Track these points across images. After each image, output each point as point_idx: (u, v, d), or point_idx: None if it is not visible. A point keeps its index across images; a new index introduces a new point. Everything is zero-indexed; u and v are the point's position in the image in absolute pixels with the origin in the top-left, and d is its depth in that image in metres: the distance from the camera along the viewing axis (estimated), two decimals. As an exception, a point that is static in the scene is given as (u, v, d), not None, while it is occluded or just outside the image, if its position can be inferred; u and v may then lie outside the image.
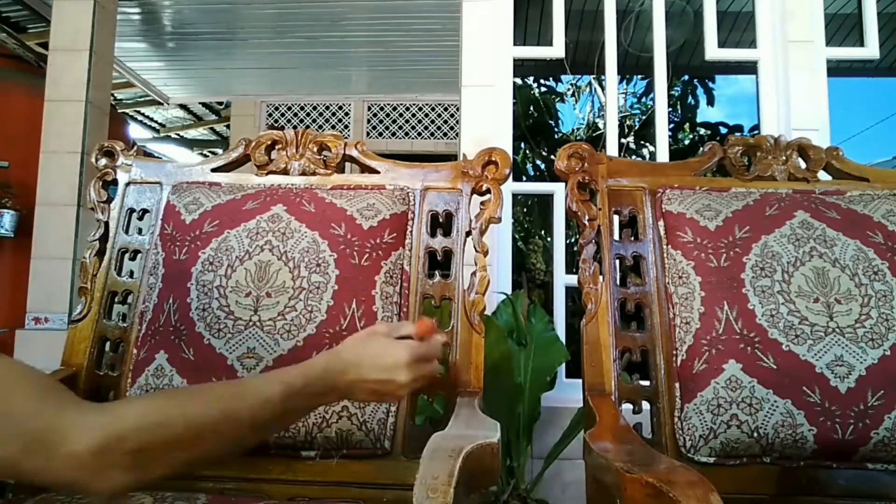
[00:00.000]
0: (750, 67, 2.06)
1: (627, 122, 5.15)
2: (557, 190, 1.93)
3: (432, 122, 4.98)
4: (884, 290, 0.92)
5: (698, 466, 0.88)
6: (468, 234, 1.07)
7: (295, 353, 0.91)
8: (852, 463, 0.89)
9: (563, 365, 1.80)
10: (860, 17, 2.02)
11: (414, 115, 4.99)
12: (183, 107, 5.86)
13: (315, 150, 1.14)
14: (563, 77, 5.30)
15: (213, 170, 1.15)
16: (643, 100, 5.31)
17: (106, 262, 1.10)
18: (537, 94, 5.07)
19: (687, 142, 5.26)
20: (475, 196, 1.10)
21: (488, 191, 1.08)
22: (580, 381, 1.00)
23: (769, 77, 1.99)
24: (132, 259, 1.11)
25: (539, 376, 1.62)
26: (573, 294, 1.79)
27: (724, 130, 5.02)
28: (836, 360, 0.88)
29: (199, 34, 3.66)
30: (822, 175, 1.11)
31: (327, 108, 4.97)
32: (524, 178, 4.82)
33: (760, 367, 0.89)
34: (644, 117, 5.08)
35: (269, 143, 1.14)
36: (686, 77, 5.02)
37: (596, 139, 4.73)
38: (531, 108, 4.84)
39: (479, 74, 1.95)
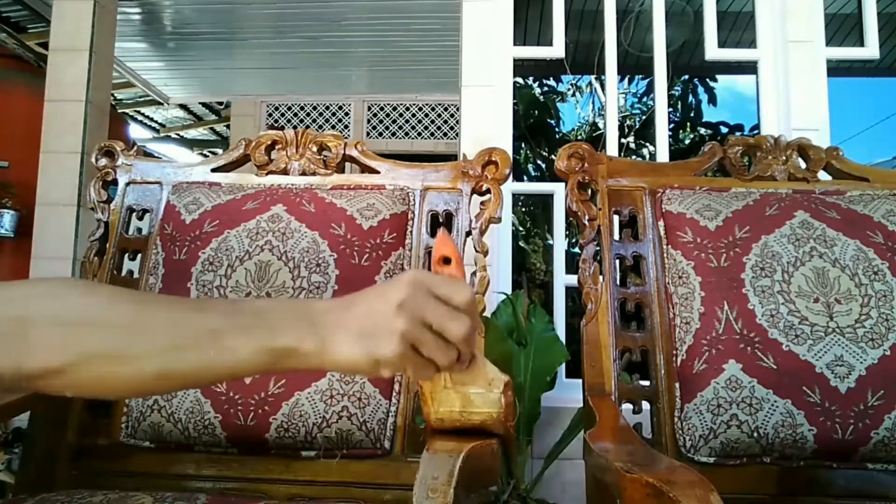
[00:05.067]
0: (750, 67, 2.06)
1: (628, 122, 5.15)
2: (557, 190, 1.93)
3: (432, 122, 4.97)
4: (884, 290, 0.92)
5: (698, 466, 0.88)
6: (468, 234, 1.07)
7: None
8: (852, 463, 0.89)
9: (563, 365, 1.80)
10: (860, 17, 2.02)
11: (414, 115, 4.98)
12: (183, 107, 5.86)
13: (315, 150, 1.14)
14: (563, 77, 5.30)
15: (213, 170, 1.15)
16: (643, 100, 5.31)
17: (106, 261, 1.10)
18: (538, 94, 5.06)
19: (687, 142, 5.25)
20: (475, 196, 1.10)
21: (488, 191, 1.08)
22: (580, 381, 1.00)
23: (769, 77, 1.98)
24: (132, 259, 1.11)
25: (539, 376, 1.61)
26: (573, 294, 1.79)
27: (724, 130, 5.02)
28: (836, 360, 0.88)
29: (199, 34, 3.66)
30: (823, 175, 1.11)
31: (327, 108, 4.97)
32: (525, 179, 4.81)
33: (760, 367, 0.89)
34: (644, 117, 5.07)
35: (269, 143, 1.14)
36: (686, 77, 5.02)
37: (596, 139, 4.73)
38: (532, 108, 4.83)
39: (479, 74, 1.95)
